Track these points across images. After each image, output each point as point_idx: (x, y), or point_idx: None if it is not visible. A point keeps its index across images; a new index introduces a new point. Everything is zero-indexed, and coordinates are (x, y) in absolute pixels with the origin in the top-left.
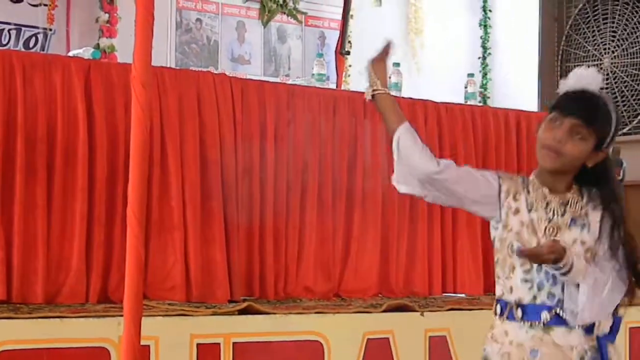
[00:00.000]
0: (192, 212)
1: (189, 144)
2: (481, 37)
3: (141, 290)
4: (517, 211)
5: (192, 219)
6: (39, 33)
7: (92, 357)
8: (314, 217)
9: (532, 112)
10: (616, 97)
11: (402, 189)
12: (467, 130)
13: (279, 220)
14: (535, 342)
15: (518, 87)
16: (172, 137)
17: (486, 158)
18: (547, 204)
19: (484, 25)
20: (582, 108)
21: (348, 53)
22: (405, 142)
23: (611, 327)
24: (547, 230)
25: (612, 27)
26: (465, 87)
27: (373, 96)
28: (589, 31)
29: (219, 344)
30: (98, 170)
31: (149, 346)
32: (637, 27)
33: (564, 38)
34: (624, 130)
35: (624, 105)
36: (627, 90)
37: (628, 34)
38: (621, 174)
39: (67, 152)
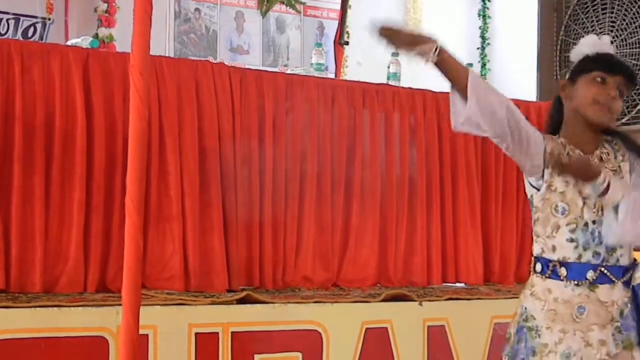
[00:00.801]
0: (191, 201)
1: (187, 134)
2: (480, 27)
3: (139, 279)
4: None
5: (190, 208)
6: (37, 22)
7: (90, 347)
8: (313, 207)
9: (531, 101)
10: None
11: (466, 128)
12: None
13: (277, 210)
14: (582, 299)
15: (517, 77)
16: (171, 127)
17: (485, 148)
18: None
19: (483, 15)
20: (626, 68)
21: (347, 43)
22: (482, 81)
23: None
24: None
25: (611, 17)
26: None
27: (438, 52)
28: (588, 21)
29: (217, 333)
30: (96, 159)
31: (147, 335)
32: (636, 17)
33: (562, 28)
34: (623, 120)
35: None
36: None
37: (627, 24)
38: None
39: (66, 141)
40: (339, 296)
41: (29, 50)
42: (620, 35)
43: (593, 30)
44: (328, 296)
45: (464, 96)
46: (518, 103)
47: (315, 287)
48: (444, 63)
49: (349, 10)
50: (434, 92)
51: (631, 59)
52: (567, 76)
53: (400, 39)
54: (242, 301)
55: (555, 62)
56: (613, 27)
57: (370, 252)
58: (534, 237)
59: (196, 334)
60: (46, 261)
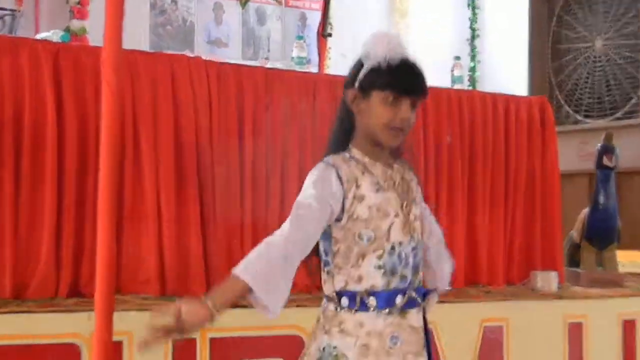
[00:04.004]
0: (166, 199)
1: (163, 130)
2: (469, 18)
3: (113, 283)
4: (362, 198)
5: (166, 206)
6: (6, 15)
7: (62, 354)
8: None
9: (522, 96)
10: (608, 80)
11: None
12: (453, 116)
13: (258, 209)
14: (393, 328)
15: (507, 70)
16: (146, 123)
17: (473, 144)
18: (393, 180)
19: (472, 6)
20: (419, 87)
21: (330, 35)
22: (256, 272)
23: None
24: (403, 207)
25: (605, 7)
26: (452, 71)
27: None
28: (581, 12)
29: (194, 339)
30: (67, 157)
31: (121, 342)
32: (630, 8)
33: (554, 19)
34: (617, 115)
35: (617, 89)
36: (620, 73)
37: (621, 14)
38: (613, 160)
39: (35, 139)
40: (321, 300)
41: None
42: (614, 26)
43: (586, 21)
44: (310, 300)
45: (259, 298)
46: (508, 98)
47: (297, 291)
48: (225, 303)
49: (332, 1)
50: None
51: (625, 50)
52: (356, 83)
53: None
54: None
55: (547, 54)
56: (607, 17)
57: None
58: (332, 272)
59: (173, 341)
60: (16, 265)
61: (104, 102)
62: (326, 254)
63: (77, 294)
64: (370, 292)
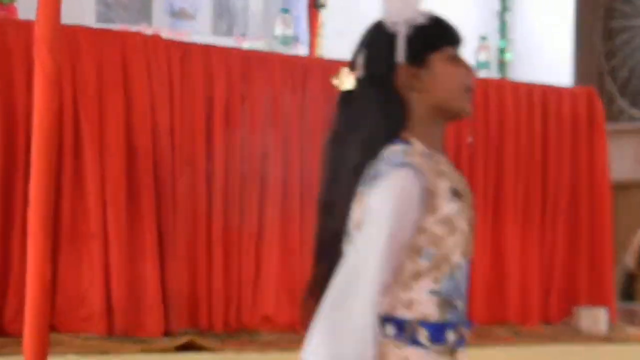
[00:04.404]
0: (115, 215)
1: (111, 127)
2: None
3: (47, 320)
4: (435, 209)
5: (114, 224)
6: None
7: None
8: (277, 223)
9: (565, 87)
10: None
11: None
12: (476, 111)
13: (230, 227)
14: None
15: (546, 54)
16: (89, 118)
17: (502, 146)
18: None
19: None
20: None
21: (323, 6)
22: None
23: None
24: (470, 220)
25: None
26: (477, 54)
27: None
28: None
29: None
30: None
31: None
32: None
33: None
34: None
35: None
36: None
37: None
38: None
39: None
40: None
41: None
42: None
43: None
44: (295, 342)
45: None
46: (547, 89)
47: (279, 330)
48: None
49: None
50: None
51: None
52: (398, 57)
53: None
54: (183, 348)
55: (597, 35)
56: None
57: None
58: (383, 291)
59: None
60: None
61: (37, 93)
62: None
63: (2, 332)
64: (422, 323)
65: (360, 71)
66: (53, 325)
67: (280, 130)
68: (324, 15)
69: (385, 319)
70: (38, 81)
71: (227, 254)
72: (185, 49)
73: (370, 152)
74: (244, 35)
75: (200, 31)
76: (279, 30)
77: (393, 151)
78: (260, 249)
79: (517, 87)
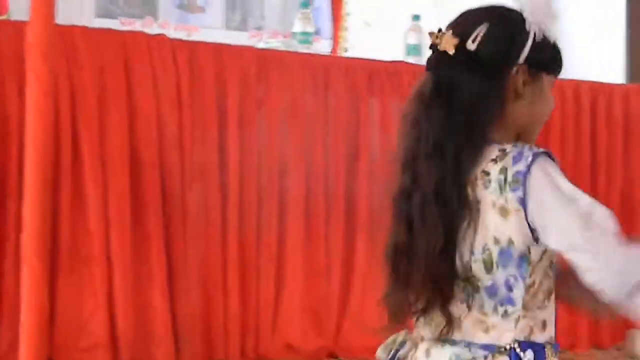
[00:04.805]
0: (119, 236)
1: (113, 138)
2: None
3: (44, 352)
4: None
5: (118, 246)
6: None
7: None
8: (299, 241)
9: (616, 84)
10: None
11: None
12: None
13: (247, 247)
14: None
15: (594, 45)
16: (89, 129)
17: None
18: None
19: None
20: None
21: None
22: None
23: None
24: None
25: None
26: None
27: None
28: None
29: None
30: None
31: None
32: None
33: None
34: None
35: None
36: None
37: None
38: None
39: None
40: None
41: None
42: None
43: None
44: None
45: None
46: (596, 86)
47: (303, 359)
48: None
49: None
50: None
51: None
52: (521, 58)
53: None
54: None
55: None
56: None
57: (383, 308)
58: (518, 313)
59: None
60: None
61: (30, 102)
62: (510, 288)
63: None
64: (551, 344)
65: (475, 44)
66: (51, 358)
67: (300, 137)
68: (348, 5)
69: (524, 346)
70: (31, 91)
71: (244, 277)
72: (193, 49)
73: (473, 146)
74: (259, 29)
75: (211, 25)
76: (298, 26)
77: (515, 149)
78: (281, 270)
79: (560, 84)
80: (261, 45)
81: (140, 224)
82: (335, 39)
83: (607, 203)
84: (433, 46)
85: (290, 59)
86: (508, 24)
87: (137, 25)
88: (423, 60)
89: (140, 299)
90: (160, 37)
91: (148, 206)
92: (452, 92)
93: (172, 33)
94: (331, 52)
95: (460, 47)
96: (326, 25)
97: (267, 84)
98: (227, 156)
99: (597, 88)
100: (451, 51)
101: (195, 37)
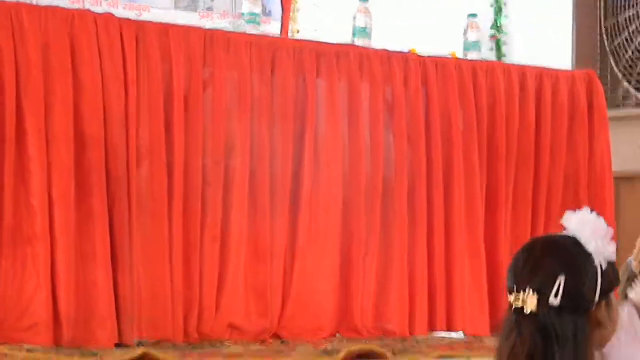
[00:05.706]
0: (63, 214)
1: (58, 115)
2: None
3: None
4: None
5: (62, 224)
6: None
7: None
8: (244, 222)
9: (562, 69)
10: None
11: None
12: (465, 95)
13: (192, 227)
14: None
15: (543, 32)
16: (34, 105)
17: (493, 135)
18: None
19: None
20: None
21: None
22: None
23: None
24: None
25: None
26: (465, 34)
27: None
28: None
29: None
30: None
31: None
32: None
33: None
34: None
35: None
36: None
37: None
38: None
39: None
40: (281, 353)
41: None
42: None
43: None
44: (265, 353)
45: None
46: (542, 71)
47: (246, 340)
48: None
49: None
50: (419, 55)
51: None
52: (596, 299)
53: None
54: None
55: (598, 12)
56: None
57: (326, 289)
58: None
59: None
60: None
61: None
62: None
63: None
64: None
65: (558, 298)
66: None
67: (247, 118)
68: None
69: None
70: None
71: (188, 257)
72: (140, 28)
73: None
74: (209, 10)
75: (158, 5)
76: (246, 6)
77: None
78: (225, 251)
79: (508, 69)
80: (210, 25)
81: (85, 202)
82: (285, 20)
83: (551, 185)
84: (515, 308)
85: (237, 40)
86: (583, 269)
87: (85, 4)
88: (371, 44)
89: (83, 277)
90: (106, 15)
91: (92, 184)
92: (551, 346)
93: (121, 12)
94: (281, 33)
95: (542, 301)
96: (277, 6)
97: (213, 64)
98: (172, 135)
99: (543, 73)
100: (534, 309)
101: (145, 16)
